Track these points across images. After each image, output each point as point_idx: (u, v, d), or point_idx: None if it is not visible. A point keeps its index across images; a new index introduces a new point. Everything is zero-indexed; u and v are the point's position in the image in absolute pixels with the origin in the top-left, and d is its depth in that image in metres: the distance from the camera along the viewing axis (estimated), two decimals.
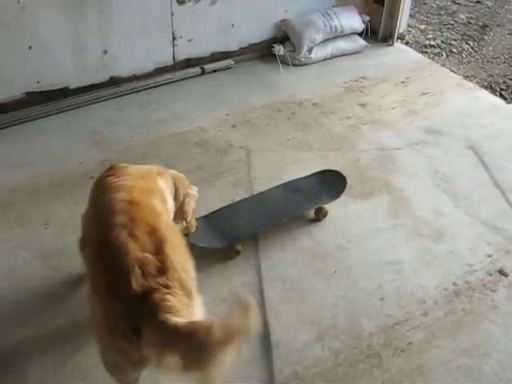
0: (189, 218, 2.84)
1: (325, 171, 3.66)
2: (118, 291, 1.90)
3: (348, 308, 2.95)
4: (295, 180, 3.60)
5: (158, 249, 1.98)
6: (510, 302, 3.01)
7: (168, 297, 1.86)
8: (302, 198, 3.46)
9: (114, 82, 4.67)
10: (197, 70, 4.99)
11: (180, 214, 2.75)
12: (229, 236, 3.18)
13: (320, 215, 3.47)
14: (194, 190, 2.83)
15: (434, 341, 2.80)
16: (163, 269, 1.93)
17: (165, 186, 2.55)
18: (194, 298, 2.00)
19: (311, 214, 3.50)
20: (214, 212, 3.33)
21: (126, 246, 1.96)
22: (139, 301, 1.85)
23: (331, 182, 3.56)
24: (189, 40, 4.87)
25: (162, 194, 2.46)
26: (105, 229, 2.07)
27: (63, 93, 4.47)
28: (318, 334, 2.81)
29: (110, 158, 3.91)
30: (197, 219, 3.09)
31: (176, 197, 2.67)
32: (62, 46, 4.30)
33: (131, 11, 4.45)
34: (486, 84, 5.21)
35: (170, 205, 2.59)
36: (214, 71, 5.06)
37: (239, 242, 3.20)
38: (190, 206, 2.80)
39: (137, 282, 1.87)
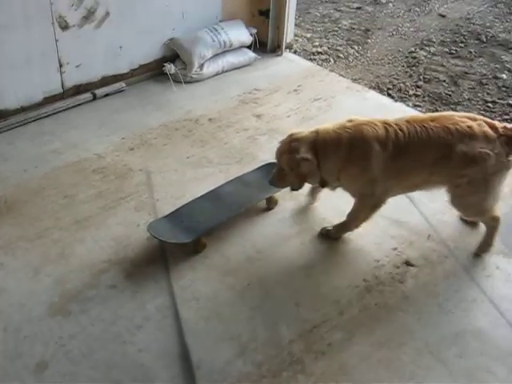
0: None
1: (270, 163, 3.77)
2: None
3: (265, 319, 2.95)
4: (244, 175, 3.81)
5: None
6: (418, 291, 3.12)
7: None
8: (253, 189, 3.68)
9: (1, 115, 4.47)
10: (88, 95, 4.86)
11: None
12: (194, 231, 3.32)
13: (272, 204, 3.68)
14: None
15: (352, 338, 2.85)
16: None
17: None
18: None
19: (263, 204, 3.69)
20: (175, 211, 3.48)
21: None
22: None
23: None
24: (77, 66, 4.75)
25: None
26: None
27: None
28: (238, 350, 2.78)
29: (5, 194, 3.75)
30: (160, 219, 3.43)
31: None
32: None
33: (11, 40, 4.27)
34: (373, 85, 5.40)
35: None
36: (106, 95, 4.96)
37: (204, 236, 3.36)
38: None
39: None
